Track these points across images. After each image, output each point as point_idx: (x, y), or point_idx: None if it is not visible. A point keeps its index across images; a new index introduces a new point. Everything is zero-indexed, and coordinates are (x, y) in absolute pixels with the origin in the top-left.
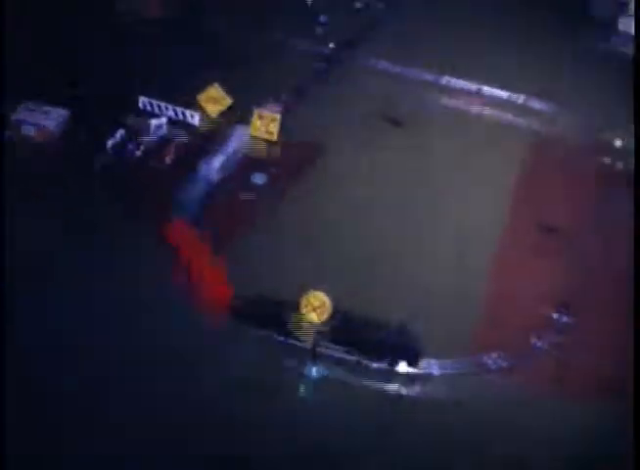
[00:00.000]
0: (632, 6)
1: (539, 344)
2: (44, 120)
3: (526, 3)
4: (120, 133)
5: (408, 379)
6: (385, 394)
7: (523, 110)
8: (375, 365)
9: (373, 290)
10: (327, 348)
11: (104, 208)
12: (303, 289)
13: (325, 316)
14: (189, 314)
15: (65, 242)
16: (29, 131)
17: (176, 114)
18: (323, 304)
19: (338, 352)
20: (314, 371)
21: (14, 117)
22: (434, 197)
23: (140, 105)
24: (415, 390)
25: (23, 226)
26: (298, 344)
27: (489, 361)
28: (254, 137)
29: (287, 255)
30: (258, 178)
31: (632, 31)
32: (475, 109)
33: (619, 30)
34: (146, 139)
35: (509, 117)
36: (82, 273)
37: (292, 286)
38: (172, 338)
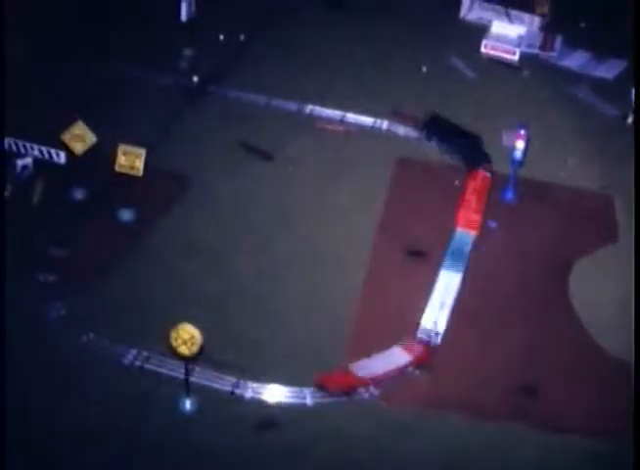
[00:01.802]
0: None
1: (410, 369)
2: None
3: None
4: None
5: (282, 408)
6: (257, 423)
7: (387, 135)
8: (249, 394)
9: (240, 321)
10: (199, 377)
11: None
12: (173, 323)
13: (195, 349)
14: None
15: None
16: None
17: (42, 153)
18: (192, 337)
19: (210, 382)
20: (188, 404)
21: None
22: (299, 227)
23: (5, 145)
24: (289, 418)
25: None
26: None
27: (361, 389)
28: (120, 173)
29: (155, 288)
30: (125, 215)
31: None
32: (340, 136)
33: (492, 33)
34: (12, 180)
35: (374, 142)
36: None
37: (163, 321)
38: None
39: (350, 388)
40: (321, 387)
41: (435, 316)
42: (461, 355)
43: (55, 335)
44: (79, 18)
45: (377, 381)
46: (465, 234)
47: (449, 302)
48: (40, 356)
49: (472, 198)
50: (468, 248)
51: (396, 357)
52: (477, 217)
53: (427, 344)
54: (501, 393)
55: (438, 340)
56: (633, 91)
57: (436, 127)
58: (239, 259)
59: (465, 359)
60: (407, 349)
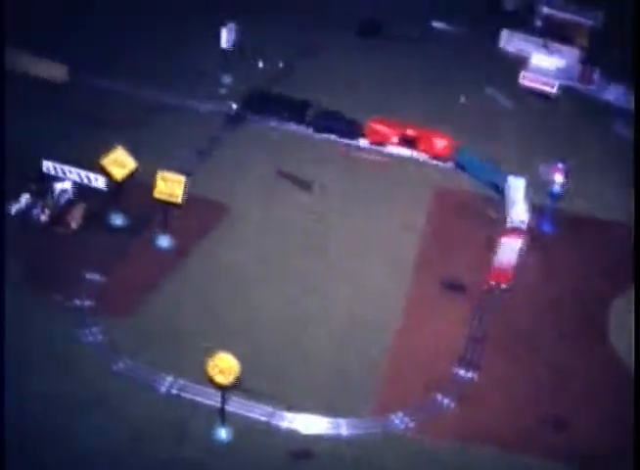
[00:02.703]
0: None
1: (444, 400)
2: None
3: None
4: (25, 198)
5: (317, 438)
6: (292, 453)
7: (425, 166)
8: (284, 424)
9: (276, 350)
10: (235, 406)
11: (9, 272)
12: (210, 351)
13: (232, 378)
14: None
15: None
16: None
17: (81, 177)
18: (230, 366)
19: (246, 411)
20: (223, 433)
21: None
22: (338, 256)
23: (44, 169)
24: (324, 449)
25: None
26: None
27: (396, 420)
28: (159, 200)
29: (190, 316)
30: (163, 241)
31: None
32: (378, 167)
33: (531, 65)
34: (51, 204)
35: (412, 173)
36: None
37: (199, 348)
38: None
39: None
40: None
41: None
42: (494, 389)
43: (90, 360)
44: (121, 44)
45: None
46: None
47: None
48: (75, 381)
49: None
50: None
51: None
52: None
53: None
54: (534, 425)
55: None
56: None
57: (260, 103)
58: (276, 289)
59: (498, 392)
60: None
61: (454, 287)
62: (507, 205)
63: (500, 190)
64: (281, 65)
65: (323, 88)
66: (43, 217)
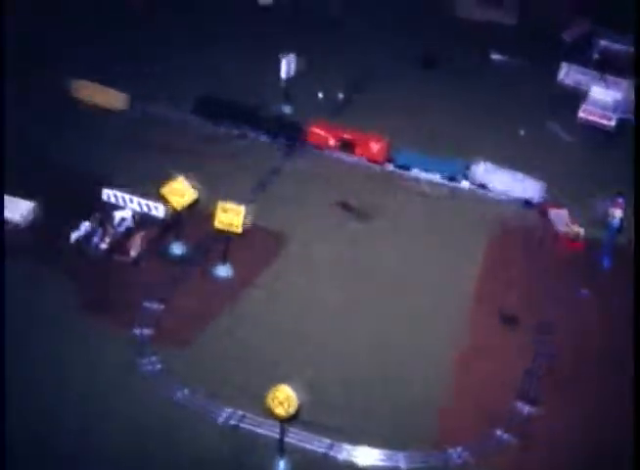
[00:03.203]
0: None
1: (503, 435)
2: (10, 213)
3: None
4: (85, 226)
5: None
6: None
7: (485, 200)
8: (342, 456)
9: (335, 382)
10: (293, 438)
11: (68, 300)
12: (270, 383)
13: (292, 410)
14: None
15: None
16: None
17: (140, 206)
18: (289, 398)
19: (305, 443)
20: (282, 465)
21: None
22: (396, 288)
23: (104, 197)
24: None
25: None
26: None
27: (454, 455)
28: (219, 230)
29: (250, 346)
30: (222, 271)
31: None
32: (437, 199)
33: (590, 99)
34: (111, 232)
35: (472, 206)
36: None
37: (258, 379)
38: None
39: None
40: None
41: None
42: (553, 423)
43: (149, 389)
44: (182, 74)
45: None
46: None
47: None
48: (133, 410)
49: None
50: None
51: None
52: None
53: None
54: (593, 460)
55: None
56: None
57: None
58: (335, 320)
59: (557, 427)
60: None
61: (512, 320)
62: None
63: (459, 177)
64: (340, 96)
65: (382, 119)
66: (103, 245)
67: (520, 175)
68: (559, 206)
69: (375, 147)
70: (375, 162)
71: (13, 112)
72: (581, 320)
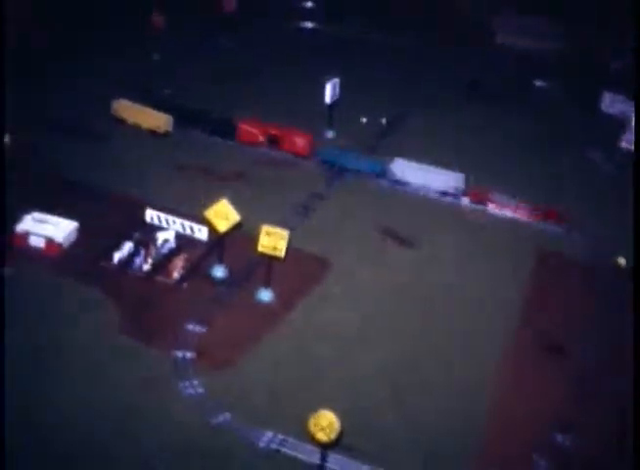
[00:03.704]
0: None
1: (541, 463)
2: (53, 232)
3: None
4: (128, 246)
5: None
6: None
7: (528, 227)
8: None
9: (375, 408)
10: (334, 464)
11: (110, 320)
12: (312, 408)
13: (333, 436)
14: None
15: (63, 354)
16: (38, 243)
17: (183, 227)
18: (331, 424)
19: (346, 468)
20: None
21: (20, 227)
22: (439, 314)
23: (148, 218)
24: None
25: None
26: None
27: None
28: (262, 254)
29: (291, 370)
30: (264, 295)
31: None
32: (482, 226)
33: (632, 128)
34: (153, 253)
35: (515, 234)
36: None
37: (298, 404)
38: None
39: None
40: None
41: None
42: (591, 452)
43: (190, 412)
44: (226, 97)
45: None
46: None
47: None
48: (174, 432)
49: None
50: None
51: None
52: None
53: None
54: None
55: None
56: None
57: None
58: (377, 347)
59: (595, 456)
60: None
61: (553, 347)
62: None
63: (380, 172)
64: (384, 121)
65: (425, 144)
66: (145, 266)
67: (435, 169)
68: (481, 192)
69: (300, 142)
70: (300, 155)
71: (58, 133)
72: (624, 350)
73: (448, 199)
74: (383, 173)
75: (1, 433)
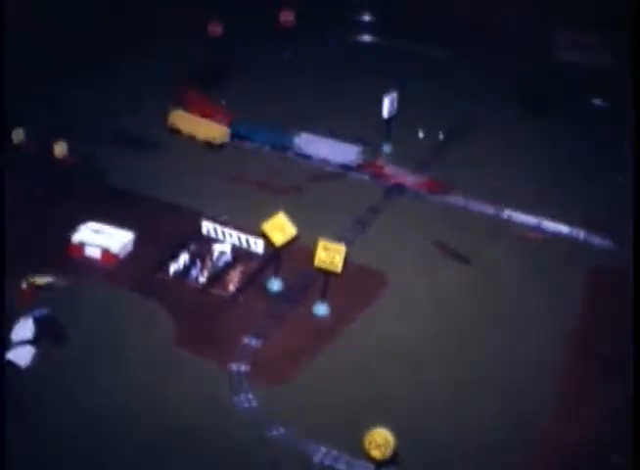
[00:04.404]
0: None
1: None
2: (109, 243)
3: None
4: (184, 258)
5: None
6: None
7: (583, 245)
8: None
9: (431, 427)
10: None
11: (166, 332)
12: (366, 425)
13: (388, 452)
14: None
15: (118, 365)
16: (94, 254)
17: (240, 240)
18: (386, 441)
19: None
20: None
21: (76, 237)
22: (493, 334)
23: (204, 230)
24: None
25: None
26: None
27: None
28: (319, 268)
29: (347, 386)
30: (321, 310)
31: None
32: (536, 243)
33: None
34: (209, 265)
35: (570, 251)
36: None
37: (354, 420)
38: None
39: None
40: None
41: None
42: None
43: (245, 426)
44: (283, 109)
45: None
46: None
47: None
48: (228, 446)
49: None
50: None
51: None
52: None
53: None
54: None
55: None
56: None
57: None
58: (433, 364)
59: None
60: None
61: (610, 368)
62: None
63: (284, 145)
64: (441, 136)
65: (477, 163)
66: (201, 279)
67: (336, 142)
68: (377, 165)
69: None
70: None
71: (114, 141)
72: None
73: (505, 216)
74: (287, 147)
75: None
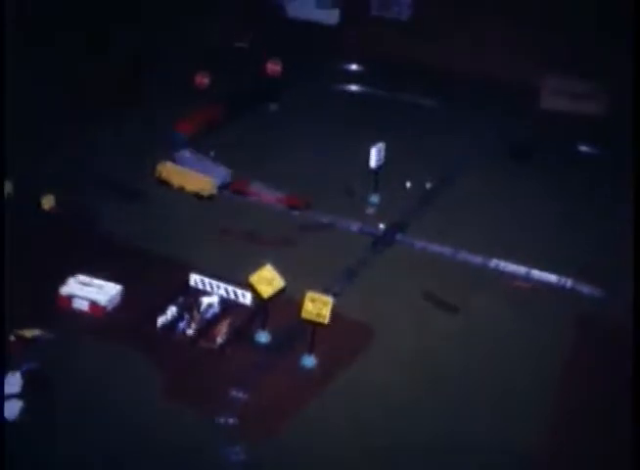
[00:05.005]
0: None
1: None
2: (97, 295)
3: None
4: (171, 310)
5: None
6: None
7: (571, 294)
8: None
9: None
10: None
11: (153, 385)
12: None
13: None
14: None
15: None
16: (83, 306)
17: (227, 292)
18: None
19: None
20: None
21: (64, 290)
22: (481, 383)
23: (192, 282)
24: None
25: None
26: None
27: None
28: (305, 320)
29: (335, 437)
30: (308, 362)
31: None
32: (524, 292)
33: None
34: (197, 317)
35: (558, 300)
36: None
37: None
38: None
39: None
40: None
41: None
42: None
43: None
44: (274, 159)
45: None
46: None
47: None
48: None
49: None
50: None
51: None
52: None
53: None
54: None
55: None
56: None
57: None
58: (423, 416)
59: None
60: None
61: (598, 417)
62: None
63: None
64: (428, 185)
65: (466, 212)
66: (189, 331)
67: (209, 162)
68: (244, 183)
69: None
70: None
71: (102, 192)
72: None
73: (492, 265)
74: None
75: None
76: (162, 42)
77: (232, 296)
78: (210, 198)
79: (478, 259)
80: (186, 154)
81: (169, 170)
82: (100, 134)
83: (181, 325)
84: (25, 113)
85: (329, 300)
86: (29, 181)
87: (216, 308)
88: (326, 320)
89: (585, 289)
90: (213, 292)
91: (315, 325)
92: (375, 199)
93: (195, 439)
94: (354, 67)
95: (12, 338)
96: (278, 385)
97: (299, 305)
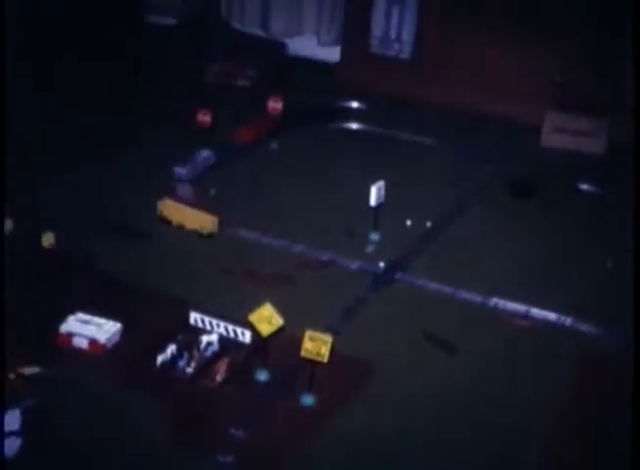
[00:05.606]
0: None
1: None
2: (96, 333)
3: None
4: (171, 349)
5: None
6: None
7: (571, 332)
8: None
9: None
10: None
11: (152, 424)
12: None
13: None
14: None
15: (104, 457)
16: (82, 344)
17: (227, 331)
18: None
19: None
20: None
21: (64, 328)
22: (485, 424)
23: (191, 320)
24: None
25: None
26: None
27: None
28: (304, 359)
29: None
30: (307, 401)
31: None
32: (524, 331)
33: None
34: (197, 356)
35: (558, 339)
36: None
37: None
38: None
39: None
40: None
41: None
42: None
43: None
44: (271, 198)
45: None
46: None
47: None
48: None
49: None
50: None
51: None
52: None
53: None
54: None
55: None
56: None
57: None
58: (420, 456)
59: None
60: None
61: (598, 453)
62: None
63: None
64: (428, 224)
65: (466, 251)
66: (189, 369)
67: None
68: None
69: None
70: None
71: (101, 230)
72: None
73: (492, 304)
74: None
75: None
76: (162, 80)
77: (232, 334)
78: (211, 236)
79: (477, 298)
80: (187, 187)
81: (169, 208)
82: (103, 171)
83: (181, 363)
84: (27, 148)
85: (328, 338)
86: (29, 219)
87: (216, 347)
88: (325, 359)
89: (585, 327)
90: (213, 330)
91: (314, 364)
92: (375, 237)
93: None
94: (355, 104)
95: (11, 376)
96: (277, 423)
97: (299, 344)
